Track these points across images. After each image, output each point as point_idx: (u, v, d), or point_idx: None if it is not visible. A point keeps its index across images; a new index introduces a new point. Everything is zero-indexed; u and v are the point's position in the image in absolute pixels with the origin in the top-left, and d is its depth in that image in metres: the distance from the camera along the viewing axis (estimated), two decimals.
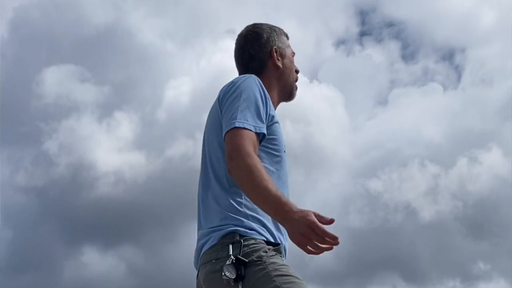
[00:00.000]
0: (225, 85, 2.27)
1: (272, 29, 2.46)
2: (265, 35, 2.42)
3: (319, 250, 1.92)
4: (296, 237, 1.92)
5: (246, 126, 2.10)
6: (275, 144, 2.21)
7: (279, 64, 2.40)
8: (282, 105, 2.52)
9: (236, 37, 2.50)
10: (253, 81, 2.23)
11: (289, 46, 2.49)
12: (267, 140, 2.19)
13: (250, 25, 2.48)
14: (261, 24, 2.47)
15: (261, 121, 2.16)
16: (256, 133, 2.12)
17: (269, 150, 2.19)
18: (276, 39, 2.44)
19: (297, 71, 2.49)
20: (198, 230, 2.22)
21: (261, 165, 2.04)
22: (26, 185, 17.22)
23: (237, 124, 2.09)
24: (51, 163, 17.00)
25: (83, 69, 18.16)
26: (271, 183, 2.00)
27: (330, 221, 1.91)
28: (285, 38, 2.49)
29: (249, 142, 2.08)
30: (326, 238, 1.89)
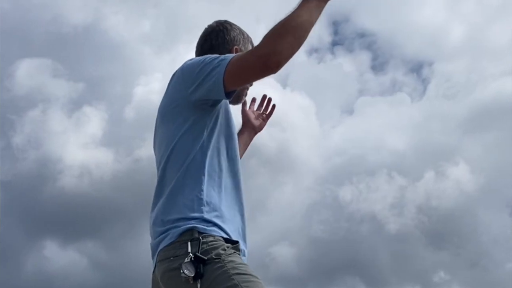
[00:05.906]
0: (186, 63, 2.23)
1: (241, 32, 2.45)
2: (232, 33, 2.42)
3: None
4: None
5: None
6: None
7: None
8: None
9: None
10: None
11: None
12: (227, 140, 2.21)
13: (222, 20, 2.47)
14: (234, 24, 2.46)
15: None
16: None
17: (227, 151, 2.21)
18: (241, 42, 2.42)
19: None
20: (152, 211, 2.18)
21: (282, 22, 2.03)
22: None
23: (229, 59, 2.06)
24: (18, 156, 16.76)
25: (57, 64, 17.96)
26: (296, 13, 2.03)
27: None
28: (250, 46, 2.44)
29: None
30: None
